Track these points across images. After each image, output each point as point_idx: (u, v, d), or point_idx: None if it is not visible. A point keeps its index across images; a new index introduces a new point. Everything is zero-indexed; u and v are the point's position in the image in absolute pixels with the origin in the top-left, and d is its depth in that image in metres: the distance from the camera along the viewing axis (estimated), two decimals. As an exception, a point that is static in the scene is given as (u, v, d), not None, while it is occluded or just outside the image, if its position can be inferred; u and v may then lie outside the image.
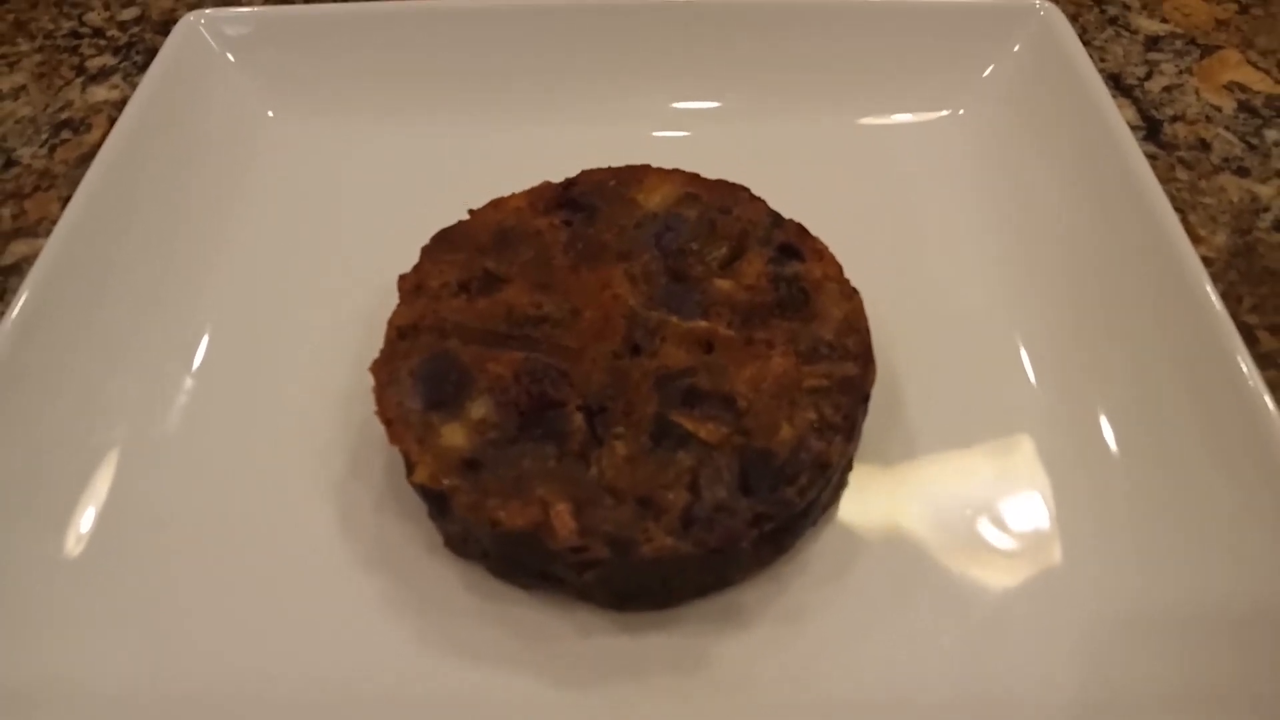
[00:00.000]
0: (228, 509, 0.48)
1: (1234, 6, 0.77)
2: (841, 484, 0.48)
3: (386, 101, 0.66)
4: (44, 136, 0.71)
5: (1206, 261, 0.58)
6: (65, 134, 0.71)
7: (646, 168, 0.55)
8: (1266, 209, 0.62)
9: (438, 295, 0.49)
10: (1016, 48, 0.63)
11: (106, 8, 0.81)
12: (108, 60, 0.77)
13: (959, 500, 0.48)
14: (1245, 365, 0.45)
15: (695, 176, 0.54)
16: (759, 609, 0.44)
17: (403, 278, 0.50)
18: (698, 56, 0.65)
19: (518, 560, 0.44)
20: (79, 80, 0.75)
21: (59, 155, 0.69)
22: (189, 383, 0.53)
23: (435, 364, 0.46)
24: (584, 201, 0.53)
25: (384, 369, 0.46)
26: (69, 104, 0.73)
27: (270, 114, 0.65)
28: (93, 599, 0.45)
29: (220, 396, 0.53)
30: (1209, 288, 0.48)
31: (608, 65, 0.65)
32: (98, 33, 0.79)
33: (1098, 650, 0.43)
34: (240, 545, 0.47)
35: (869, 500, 0.48)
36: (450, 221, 0.53)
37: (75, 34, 0.79)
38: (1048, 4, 0.63)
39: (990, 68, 0.64)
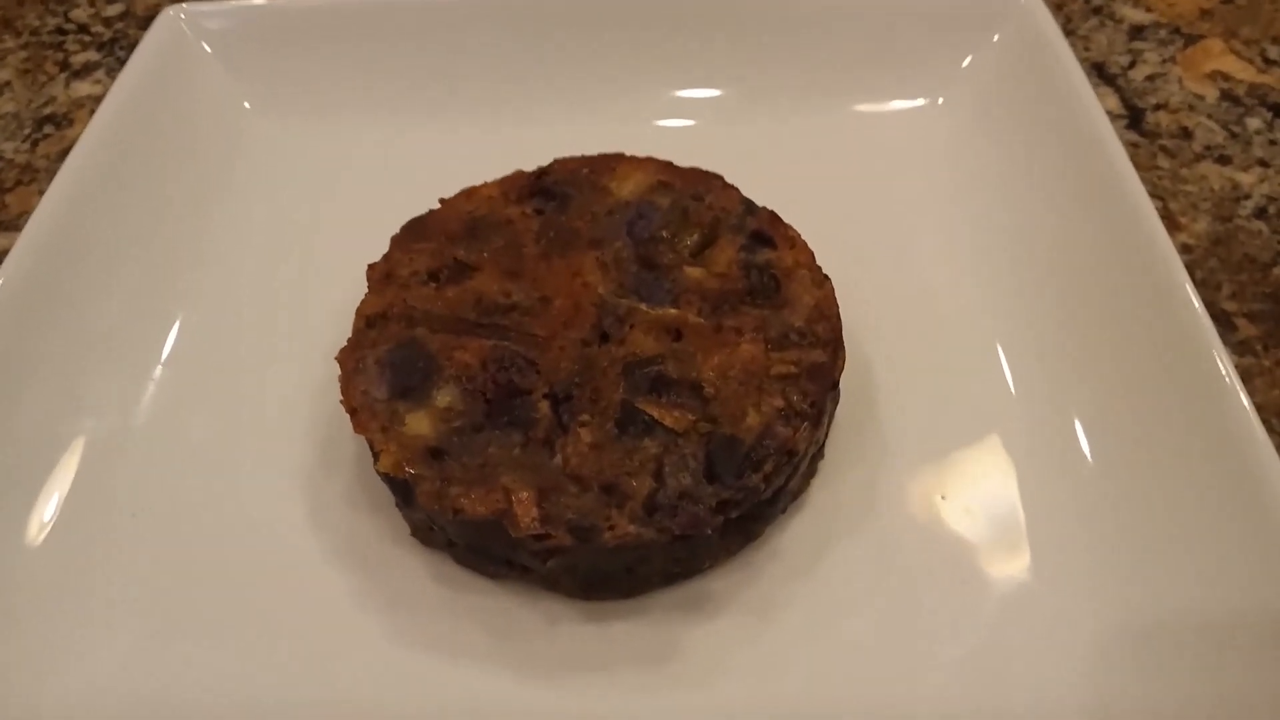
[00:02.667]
0: (195, 499, 0.48)
1: (1219, -5, 0.77)
2: (811, 472, 0.47)
3: (371, 95, 0.66)
4: (26, 131, 0.71)
5: (1187, 249, 0.58)
6: (48, 129, 0.71)
7: (620, 156, 0.54)
8: (1247, 196, 0.62)
9: (407, 284, 0.49)
10: (997, 37, 0.63)
11: (92, 4, 0.81)
12: (92, 56, 0.77)
13: (930, 491, 0.48)
14: (1222, 364, 0.44)
15: (669, 165, 0.54)
16: (728, 598, 0.44)
17: (372, 267, 0.50)
18: (668, 45, 0.65)
19: (482, 549, 0.43)
20: (63, 76, 0.75)
21: (41, 150, 0.69)
22: (158, 372, 0.53)
23: (402, 352, 0.46)
24: (556, 190, 0.53)
25: (350, 357, 0.46)
26: (52, 99, 0.73)
27: (247, 105, 0.65)
28: (54, 588, 0.45)
29: (190, 387, 0.53)
30: (1187, 284, 0.47)
31: (570, 57, 0.65)
32: (83, 28, 0.79)
33: (1063, 642, 0.43)
34: (207, 536, 0.47)
35: (841, 489, 0.48)
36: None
37: (60, 30, 0.79)
38: (1028, -8, 0.63)
39: (970, 57, 0.63)
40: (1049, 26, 0.61)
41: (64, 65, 0.76)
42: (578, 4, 0.66)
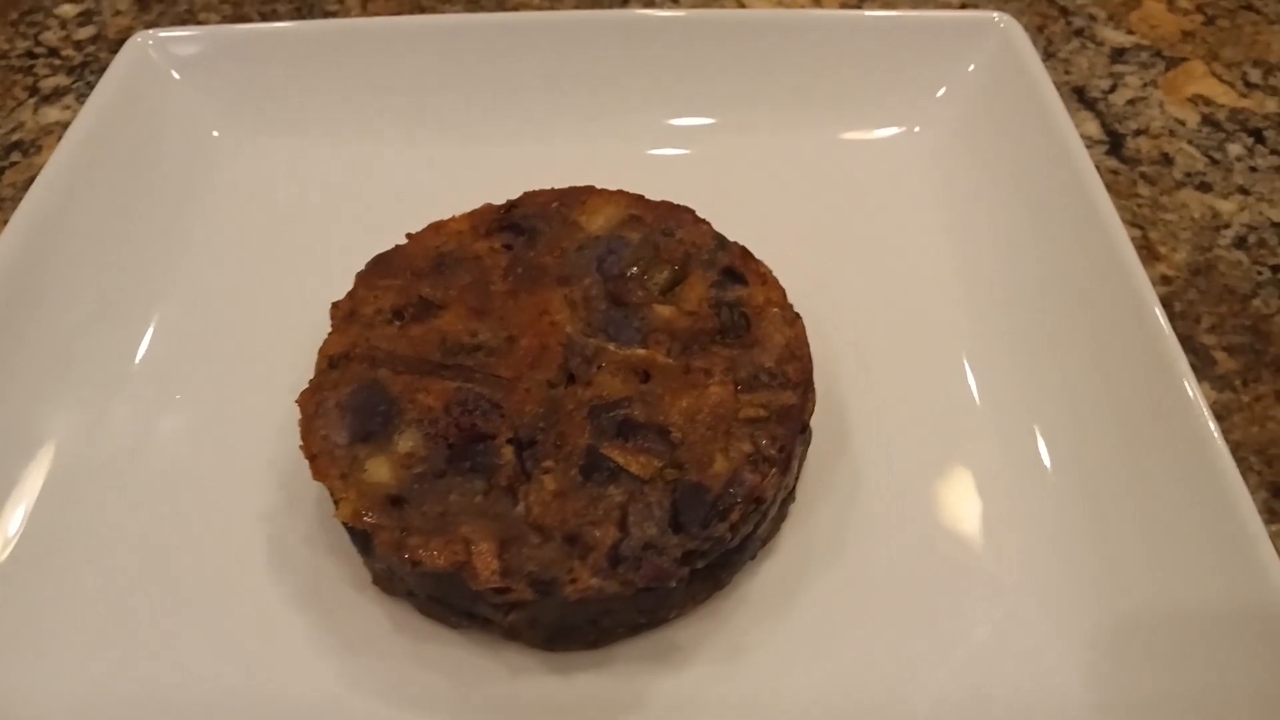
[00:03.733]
0: (153, 540, 0.47)
1: (1200, 18, 0.76)
2: (782, 516, 0.46)
3: (343, 123, 0.65)
4: (-8, 159, 0.70)
5: (1166, 280, 0.58)
6: (15, 156, 0.70)
7: (590, 189, 0.54)
8: (1227, 225, 0.61)
9: (371, 323, 0.48)
10: (972, 66, 0.62)
11: (63, 27, 0.80)
12: (61, 80, 0.76)
13: (905, 532, 0.47)
14: (1192, 391, 0.44)
15: (639, 198, 0.53)
16: (695, 647, 0.43)
17: (335, 305, 0.49)
18: (626, 74, 0.64)
19: (443, 600, 0.42)
20: (31, 101, 0.74)
21: (7, 178, 0.68)
22: (120, 409, 0.51)
23: (364, 395, 0.45)
24: (525, 224, 0.52)
25: (311, 400, 0.45)
26: (20, 125, 0.72)
27: (216, 134, 0.64)
28: (8, 624, 0.44)
29: (152, 422, 0.51)
30: (1159, 314, 0.46)
31: (540, 82, 0.65)
32: (53, 52, 0.78)
33: (1044, 678, 0.42)
34: (164, 579, 0.46)
35: (812, 532, 0.47)
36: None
37: (30, 54, 0.78)
38: (1006, 17, 0.62)
39: (945, 87, 0.63)
40: (1027, 55, 0.60)
41: (33, 90, 0.75)
42: (558, 29, 0.65)
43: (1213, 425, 0.43)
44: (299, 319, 0.53)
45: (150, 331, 0.55)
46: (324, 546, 0.47)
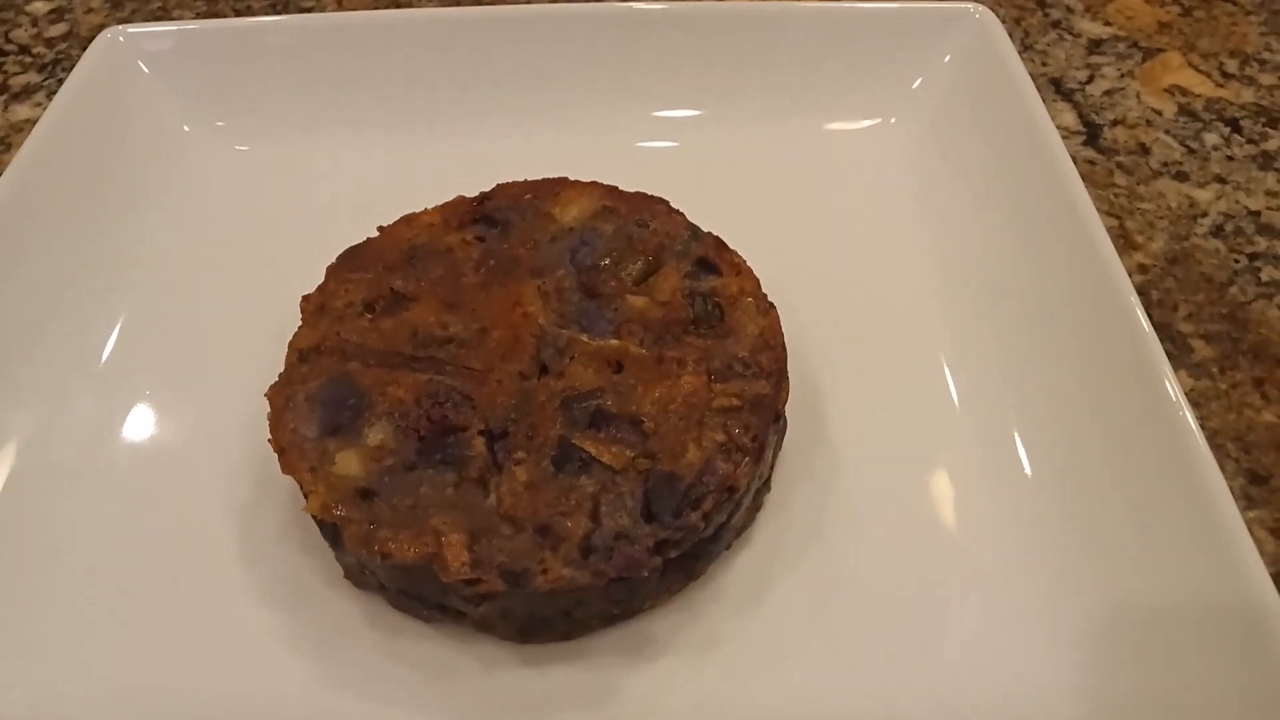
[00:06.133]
0: (120, 535, 0.46)
1: (1176, 9, 0.76)
2: (757, 505, 0.46)
3: (315, 117, 0.65)
4: (-38, 156, 0.69)
5: (1143, 269, 0.58)
6: (-15, 153, 0.69)
7: (564, 180, 0.53)
8: (1204, 214, 0.61)
9: (341, 316, 0.48)
10: (948, 56, 0.62)
11: (34, 24, 0.80)
12: (32, 78, 0.75)
13: (882, 522, 0.46)
14: (1171, 386, 0.43)
15: (613, 189, 0.53)
16: (669, 639, 0.43)
17: (306, 298, 0.48)
18: (610, 67, 0.63)
19: (414, 593, 0.42)
20: (1, 99, 0.73)
21: (-24, 175, 0.67)
22: (87, 403, 0.51)
23: (334, 388, 0.45)
24: (498, 216, 0.52)
25: (280, 393, 0.45)
26: (-10, 122, 0.71)
27: (186, 129, 0.63)
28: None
29: (119, 414, 0.51)
30: (1138, 308, 0.46)
31: (507, 74, 0.64)
32: (23, 50, 0.77)
33: (1020, 673, 0.42)
34: (132, 574, 0.45)
35: (788, 522, 0.46)
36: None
37: (0, 51, 0.77)
38: (982, 8, 0.62)
39: (921, 78, 0.62)
40: (1002, 45, 0.60)
41: (3, 88, 0.74)
42: (541, 23, 0.64)
43: (1190, 416, 0.42)
44: (269, 313, 0.53)
45: (119, 325, 0.55)
46: (296, 542, 0.46)
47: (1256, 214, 0.61)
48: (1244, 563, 0.39)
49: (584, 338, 0.46)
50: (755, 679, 0.42)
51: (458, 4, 0.76)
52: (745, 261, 0.49)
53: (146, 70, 0.63)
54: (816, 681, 0.42)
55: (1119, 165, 0.64)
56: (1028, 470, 0.48)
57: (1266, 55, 0.72)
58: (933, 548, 0.46)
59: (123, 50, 0.63)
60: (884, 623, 0.43)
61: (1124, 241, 0.59)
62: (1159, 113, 0.68)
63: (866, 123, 0.63)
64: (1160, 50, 0.73)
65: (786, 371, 0.45)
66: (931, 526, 0.46)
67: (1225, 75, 0.71)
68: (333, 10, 0.80)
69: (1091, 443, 0.46)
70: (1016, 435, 0.49)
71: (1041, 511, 0.46)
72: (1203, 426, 0.42)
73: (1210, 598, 0.40)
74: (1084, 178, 0.52)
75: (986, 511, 0.47)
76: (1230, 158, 0.65)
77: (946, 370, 0.52)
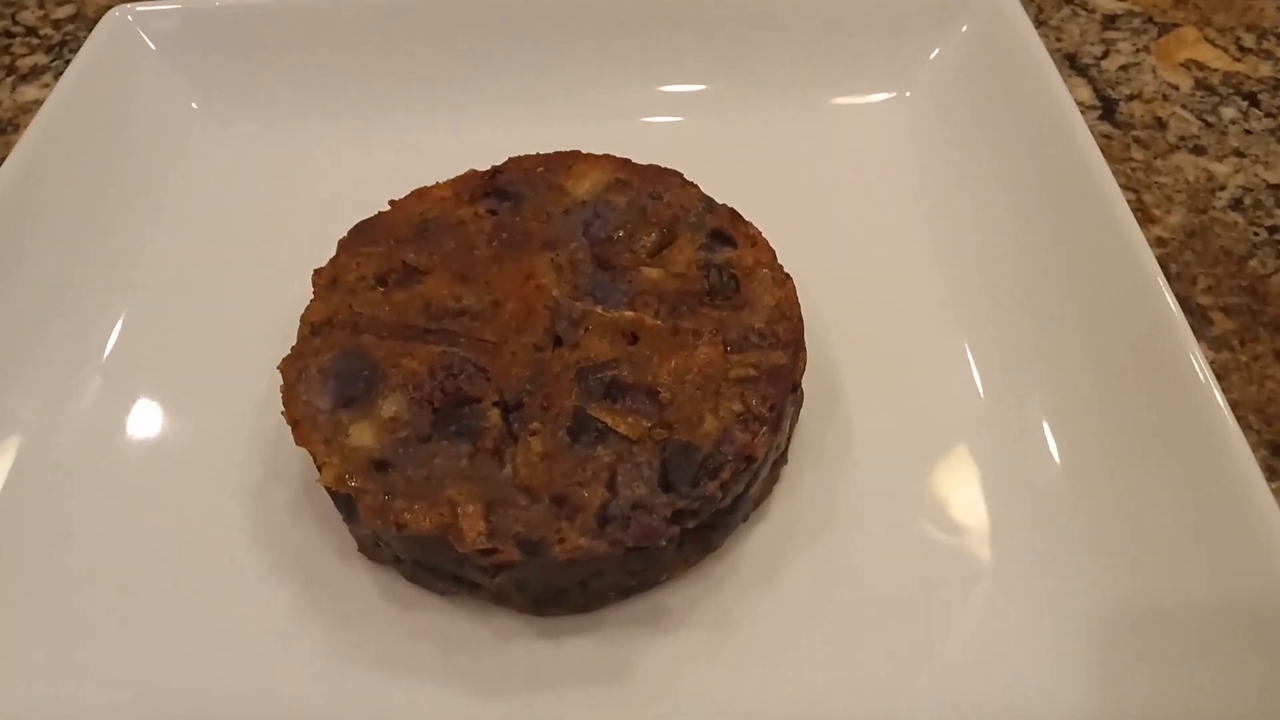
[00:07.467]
0: (134, 511, 0.46)
1: (1193, -17, 0.75)
2: (774, 478, 0.46)
3: (323, 95, 0.64)
4: (-30, 137, 0.68)
5: (1161, 242, 0.57)
6: (-8, 135, 0.69)
7: (576, 154, 0.53)
8: (1222, 188, 0.60)
9: (353, 289, 0.47)
10: (965, 28, 0.61)
11: (41, 6, 0.79)
12: (40, 59, 0.75)
13: (895, 495, 0.46)
14: (1197, 362, 0.42)
15: (626, 162, 0.52)
16: (685, 612, 0.42)
17: (317, 272, 0.48)
18: (617, 42, 0.63)
19: (430, 565, 0.41)
20: (9, 80, 0.73)
21: (-15, 156, 0.67)
22: (97, 380, 0.51)
23: (346, 360, 0.44)
24: (510, 190, 0.51)
25: (293, 366, 0.44)
26: (-2, 104, 0.71)
27: (195, 106, 0.63)
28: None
29: (131, 392, 0.51)
30: (1161, 281, 0.45)
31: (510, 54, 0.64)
32: (31, 31, 0.77)
33: (1031, 657, 0.41)
34: (149, 551, 0.45)
35: (804, 496, 0.46)
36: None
37: (8, 33, 0.77)
38: (998, -19, 0.61)
39: (937, 49, 0.62)
40: (1018, 18, 0.59)
41: (10, 69, 0.74)
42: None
43: (1217, 392, 0.41)
44: (282, 288, 0.52)
45: (128, 303, 0.54)
46: (309, 516, 0.46)
47: (1276, 187, 0.60)
48: (1277, 549, 0.38)
49: (598, 309, 0.46)
50: (770, 656, 0.42)
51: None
52: (761, 233, 0.49)
53: (154, 48, 0.63)
54: (831, 661, 0.41)
55: (1135, 140, 0.64)
56: (1047, 442, 0.47)
57: (1284, 29, 0.71)
58: (949, 521, 0.45)
59: (130, 29, 0.63)
60: (898, 604, 0.43)
61: (1141, 215, 0.59)
62: (1175, 87, 0.67)
63: (881, 96, 0.62)
64: (1176, 25, 0.72)
65: (804, 342, 0.45)
66: (947, 498, 0.46)
67: (1242, 49, 0.70)
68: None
69: (1118, 424, 0.45)
70: (1041, 416, 0.48)
71: (1062, 484, 0.45)
72: (1224, 398, 0.41)
73: (1242, 589, 0.38)
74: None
75: (1005, 484, 0.46)
76: (1249, 131, 0.64)
77: (965, 347, 0.51)
